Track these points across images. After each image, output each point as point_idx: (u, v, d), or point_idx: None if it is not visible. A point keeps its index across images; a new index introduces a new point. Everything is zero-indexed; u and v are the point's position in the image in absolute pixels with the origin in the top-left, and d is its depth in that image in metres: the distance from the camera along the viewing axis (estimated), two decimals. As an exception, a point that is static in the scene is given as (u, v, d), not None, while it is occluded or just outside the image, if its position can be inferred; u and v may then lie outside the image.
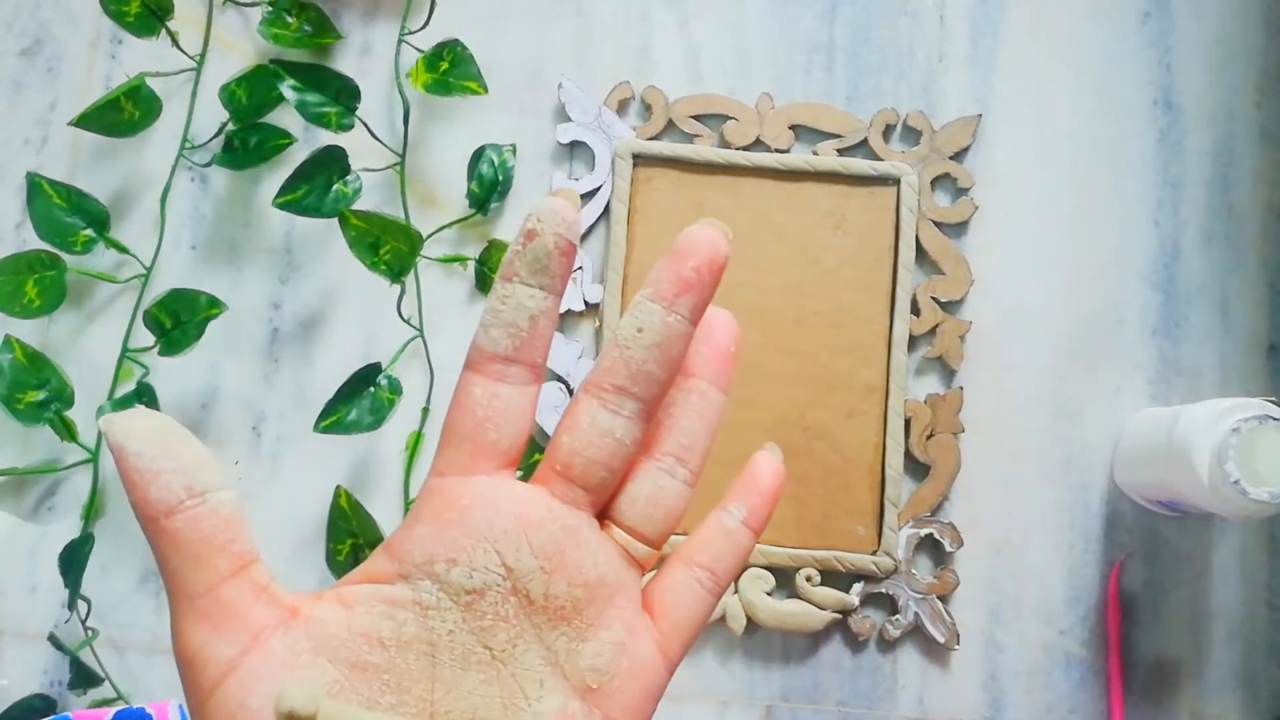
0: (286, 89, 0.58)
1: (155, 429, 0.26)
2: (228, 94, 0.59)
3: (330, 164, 0.58)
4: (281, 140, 0.60)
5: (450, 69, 0.59)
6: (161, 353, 0.57)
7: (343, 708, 0.25)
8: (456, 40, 0.59)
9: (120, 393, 0.58)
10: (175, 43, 0.60)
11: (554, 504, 0.28)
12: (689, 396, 0.30)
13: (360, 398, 0.57)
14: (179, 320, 0.57)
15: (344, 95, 0.59)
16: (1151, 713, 0.58)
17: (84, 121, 0.57)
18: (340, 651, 0.26)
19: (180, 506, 0.26)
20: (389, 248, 0.57)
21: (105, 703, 0.57)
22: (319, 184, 0.58)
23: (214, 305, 0.57)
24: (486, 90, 0.59)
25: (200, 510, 0.26)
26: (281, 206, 0.57)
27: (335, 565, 0.56)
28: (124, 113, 0.58)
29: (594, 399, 0.29)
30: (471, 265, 0.61)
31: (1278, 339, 0.60)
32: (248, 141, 0.60)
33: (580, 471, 0.28)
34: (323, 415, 0.56)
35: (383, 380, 0.57)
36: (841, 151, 0.61)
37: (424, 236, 0.58)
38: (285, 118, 0.61)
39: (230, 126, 0.60)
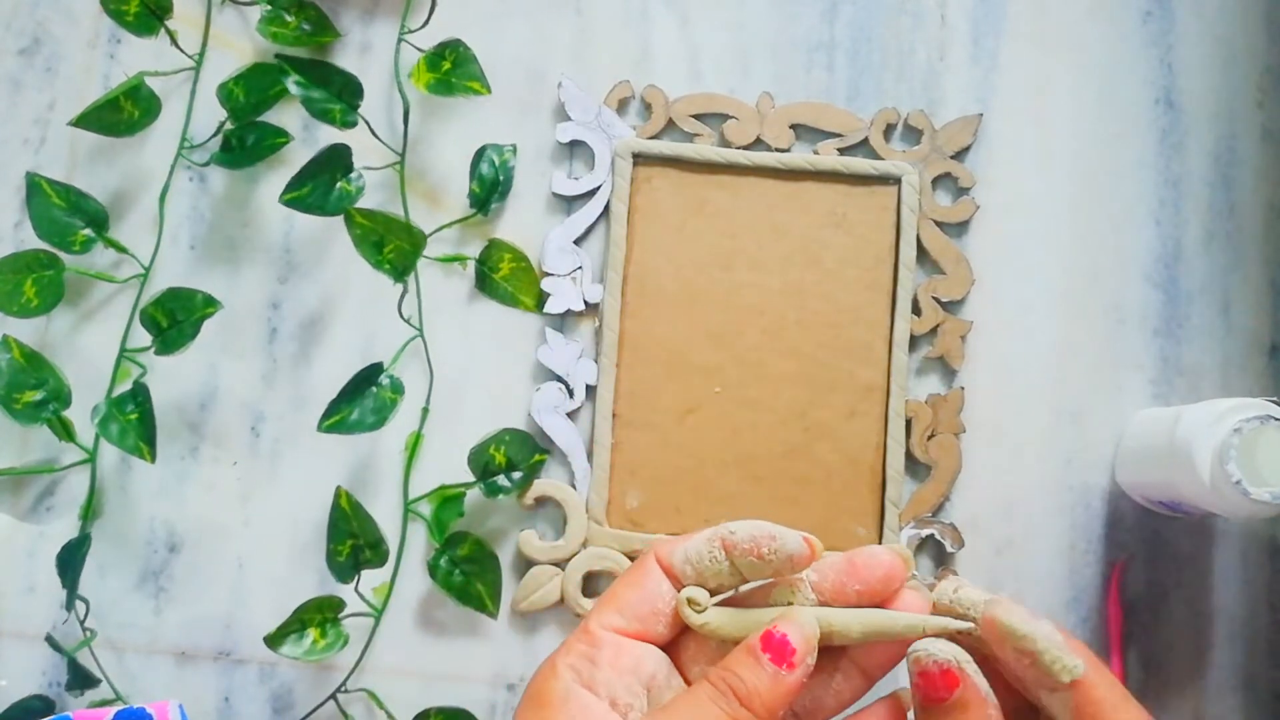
0: (291, 84, 0.58)
1: None
2: (225, 93, 0.59)
3: (334, 162, 0.58)
4: (278, 139, 0.59)
5: (453, 69, 0.59)
6: (158, 352, 0.57)
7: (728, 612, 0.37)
8: (458, 40, 0.59)
9: (118, 393, 0.58)
10: (174, 42, 0.60)
11: None
12: None
13: (363, 397, 0.57)
14: (175, 319, 0.57)
15: (347, 92, 0.59)
16: (1152, 713, 0.58)
17: (83, 121, 0.56)
18: None
19: None
20: (392, 247, 0.56)
21: (105, 703, 0.57)
22: (323, 182, 0.58)
23: (209, 304, 0.57)
24: (489, 90, 0.59)
25: None
26: (288, 203, 0.57)
27: (335, 566, 0.56)
28: (123, 112, 0.58)
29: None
30: (471, 265, 0.61)
31: (1279, 339, 0.60)
32: (245, 140, 0.59)
33: None
34: (326, 415, 0.56)
35: (384, 380, 0.57)
36: (842, 151, 0.61)
37: (425, 236, 0.58)
38: (284, 117, 0.61)
39: (229, 126, 0.60)
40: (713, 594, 0.39)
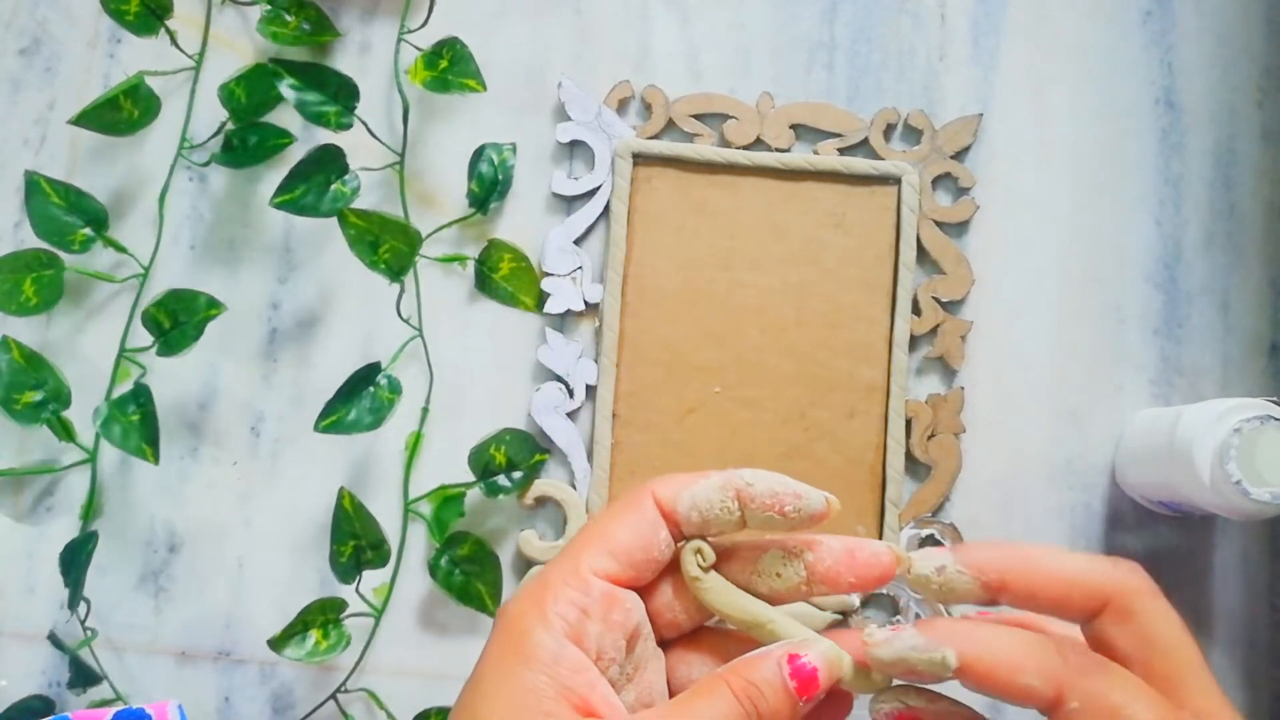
0: (285, 88, 0.58)
1: None
2: (226, 93, 0.59)
3: (327, 163, 0.58)
4: (281, 140, 0.59)
5: (449, 67, 0.59)
6: (160, 353, 0.57)
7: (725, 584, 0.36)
8: (455, 38, 0.59)
9: (118, 393, 0.58)
10: (174, 41, 0.60)
11: None
12: None
13: (360, 397, 0.57)
14: (177, 321, 0.57)
15: (343, 94, 0.59)
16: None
17: (83, 120, 0.56)
18: None
19: None
20: (388, 246, 0.56)
21: (104, 703, 0.57)
22: (317, 183, 0.58)
23: (213, 306, 0.57)
24: (485, 88, 0.59)
25: None
26: (279, 206, 0.57)
27: (338, 567, 0.56)
28: (123, 111, 0.58)
29: None
30: (471, 264, 0.61)
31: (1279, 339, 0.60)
32: (247, 141, 0.59)
33: None
34: (323, 415, 0.56)
35: (382, 380, 0.57)
36: (842, 151, 0.61)
37: (423, 236, 0.58)
38: (285, 117, 0.61)
39: (229, 126, 0.60)
40: (706, 540, 0.37)
